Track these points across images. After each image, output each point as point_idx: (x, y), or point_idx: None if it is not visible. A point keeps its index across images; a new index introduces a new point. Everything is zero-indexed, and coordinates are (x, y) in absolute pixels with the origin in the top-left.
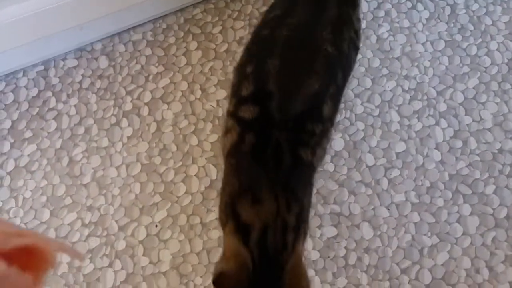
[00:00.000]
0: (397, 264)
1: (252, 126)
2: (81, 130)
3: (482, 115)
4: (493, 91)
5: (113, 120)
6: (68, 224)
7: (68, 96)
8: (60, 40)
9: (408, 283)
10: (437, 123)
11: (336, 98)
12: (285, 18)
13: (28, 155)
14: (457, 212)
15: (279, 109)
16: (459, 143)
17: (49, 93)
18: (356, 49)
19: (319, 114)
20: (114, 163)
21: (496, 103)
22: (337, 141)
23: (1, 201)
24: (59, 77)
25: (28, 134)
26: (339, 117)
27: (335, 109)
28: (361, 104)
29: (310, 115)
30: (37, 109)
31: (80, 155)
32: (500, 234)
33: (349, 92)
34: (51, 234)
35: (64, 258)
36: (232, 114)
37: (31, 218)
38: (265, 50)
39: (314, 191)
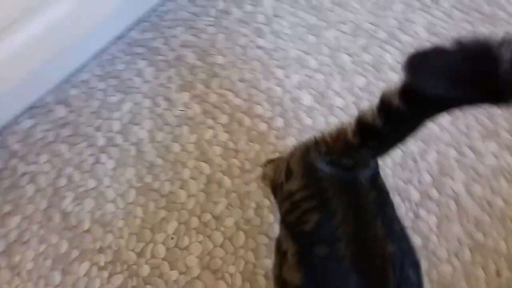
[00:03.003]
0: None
1: None
2: (63, 181)
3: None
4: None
5: (92, 159)
6: (84, 275)
7: (36, 155)
8: (7, 106)
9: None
10: None
11: None
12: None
13: (16, 228)
14: None
15: None
16: None
17: (15, 160)
18: None
19: None
20: (108, 199)
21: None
22: None
23: (6, 283)
24: (19, 142)
25: (7, 207)
26: None
27: None
28: None
29: None
30: (8, 180)
31: (70, 205)
32: None
33: None
34: None
35: None
36: None
37: (43, 286)
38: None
39: None
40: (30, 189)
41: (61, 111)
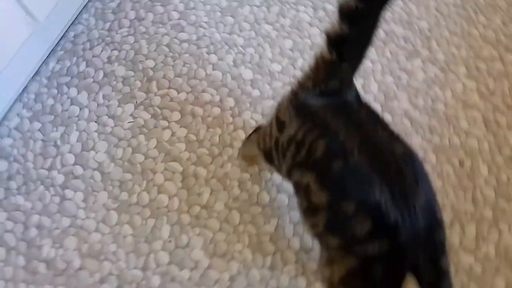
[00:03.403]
0: None
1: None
2: (34, 232)
3: None
4: None
5: (56, 199)
6: None
7: None
8: None
9: None
10: None
11: None
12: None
13: None
14: None
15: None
16: None
17: None
18: None
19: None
20: (90, 229)
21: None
22: None
23: None
24: None
25: None
26: None
27: None
28: None
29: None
30: None
31: (51, 251)
32: None
33: None
34: None
35: None
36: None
37: None
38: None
39: None
40: (1, 252)
41: (1, 165)
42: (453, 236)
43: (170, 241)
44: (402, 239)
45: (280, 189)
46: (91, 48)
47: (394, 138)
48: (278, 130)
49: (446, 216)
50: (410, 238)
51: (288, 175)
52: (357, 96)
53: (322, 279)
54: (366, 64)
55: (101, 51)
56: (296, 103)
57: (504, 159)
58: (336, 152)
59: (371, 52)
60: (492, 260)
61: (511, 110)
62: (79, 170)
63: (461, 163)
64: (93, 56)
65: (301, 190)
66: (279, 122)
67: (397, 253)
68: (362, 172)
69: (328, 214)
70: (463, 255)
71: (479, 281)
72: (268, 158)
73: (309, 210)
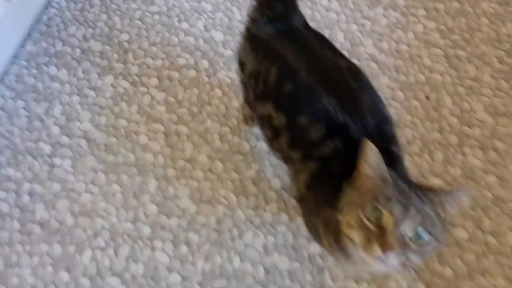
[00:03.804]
0: None
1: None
2: (26, 199)
3: None
4: None
5: (46, 168)
6: (91, 261)
7: None
8: None
9: None
10: None
11: None
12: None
13: None
14: None
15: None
16: None
17: None
18: None
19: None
20: (80, 191)
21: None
22: None
23: None
24: None
25: None
26: None
27: None
28: None
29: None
30: None
31: (45, 213)
32: None
33: None
34: None
35: None
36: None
37: None
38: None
39: None
40: None
41: None
42: (423, 164)
43: (158, 194)
44: (352, 134)
45: (259, 138)
46: (65, 29)
47: (338, 55)
48: (242, 71)
49: (416, 146)
50: (361, 133)
51: (255, 111)
52: (304, 21)
53: (293, 195)
54: (331, 15)
55: (76, 30)
56: (250, 38)
57: (465, 89)
58: (286, 75)
59: (335, 4)
60: (459, 181)
61: (469, 44)
62: (65, 139)
63: (427, 97)
64: (68, 36)
65: (264, 121)
66: (240, 63)
67: (350, 147)
68: (311, 88)
69: (288, 132)
70: (432, 179)
71: None
72: (250, 107)
73: (273, 137)
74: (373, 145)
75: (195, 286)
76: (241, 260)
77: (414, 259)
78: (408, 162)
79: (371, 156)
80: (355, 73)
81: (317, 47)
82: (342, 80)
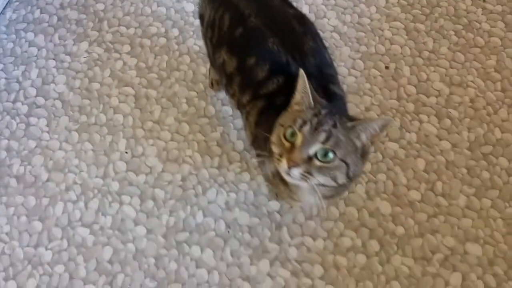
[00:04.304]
0: None
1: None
2: (3, 155)
3: None
4: None
5: (22, 126)
6: (63, 213)
7: None
8: None
9: None
10: None
11: None
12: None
13: None
14: None
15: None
16: None
17: None
18: None
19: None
20: (54, 148)
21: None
22: None
23: None
24: None
25: None
26: None
27: None
28: None
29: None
30: None
31: (21, 168)
32: None
33: None
34: None
35: None
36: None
37: (28, 237)
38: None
39: None
40: None
41: None
42: None
43: (126, 153)
44: (294, 72)
45: (225, 102)
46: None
47: (287, 4)
48: (202, 25)
49: (374, 112)
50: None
51: (215, 63)
52: None
53: (247, 138)
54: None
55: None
56: None
57: (423, 60)
58: (237, 21)
59: None
60: (414, 146)
61: (428, 18)
62: (41, 100)
63: (387, 67)
64: (46, 4)
65: (221, 70)
66: (201, 17)
67: (292, 84)
68: (258, 30)
69: (239, 75)
70: (388, 144)
71: (402, 165)
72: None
73: (228, 83)
74: (304, 73)
75: (159, 238)
76: (204, 215)
77: (316, 175)
78: None
79: (300, 84)
80: (301, 20)
81: None
82: (288, 25)
